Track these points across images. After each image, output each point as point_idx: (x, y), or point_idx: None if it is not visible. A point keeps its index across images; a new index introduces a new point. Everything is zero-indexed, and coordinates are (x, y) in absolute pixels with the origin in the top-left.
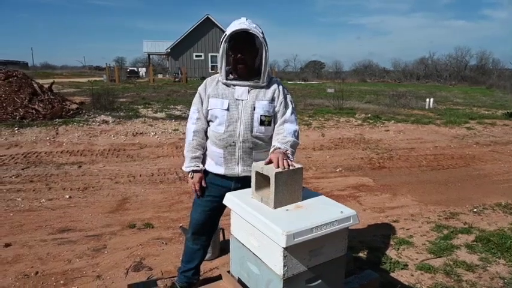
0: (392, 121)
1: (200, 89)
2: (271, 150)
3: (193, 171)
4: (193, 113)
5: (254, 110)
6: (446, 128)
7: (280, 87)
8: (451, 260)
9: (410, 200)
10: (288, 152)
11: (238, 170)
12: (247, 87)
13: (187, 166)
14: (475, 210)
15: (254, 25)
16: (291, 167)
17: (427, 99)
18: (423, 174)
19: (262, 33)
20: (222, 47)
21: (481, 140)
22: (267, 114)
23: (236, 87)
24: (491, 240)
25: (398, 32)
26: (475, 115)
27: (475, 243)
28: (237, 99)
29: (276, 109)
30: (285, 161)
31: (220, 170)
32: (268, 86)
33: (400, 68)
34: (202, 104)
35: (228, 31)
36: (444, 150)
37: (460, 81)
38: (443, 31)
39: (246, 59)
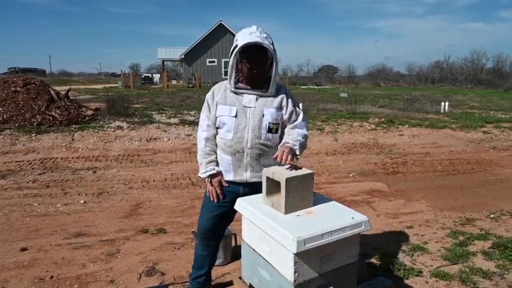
0: (407, 125)
1: (208, 96)
2: (280, 144)
3: (211, 175)
4: (203, 119)
5: (263, 117)
6: (462, 132)
7: (288, 95)
8: (467, 267)
9: (425, 205)
10: (295, 148)
11: (246, 176)
12: (255, 96)
13: (204, 172)
14: (491, 216)
15: (265, 35)
16: (293, 163)
17: (442, 103)
18: (438, 179)
19: (272, 44)
20: (234, 58)
21: (498, 144)
22: (275, 122)
23: (244, 95)
24: (508, 247)
25: (413, 35)
26: (491, 119)
27: (491, 250)
28: (244, 106)
29: (285, 117)
30: (290, 155)
31: (229, 176)
32: (275, 95)
33: (415, 71)
34: (210, 111)
35: (240, 42)
36: (460, 154)
37: (476, 84)
38: (459, 34)
39: (259, 72)
